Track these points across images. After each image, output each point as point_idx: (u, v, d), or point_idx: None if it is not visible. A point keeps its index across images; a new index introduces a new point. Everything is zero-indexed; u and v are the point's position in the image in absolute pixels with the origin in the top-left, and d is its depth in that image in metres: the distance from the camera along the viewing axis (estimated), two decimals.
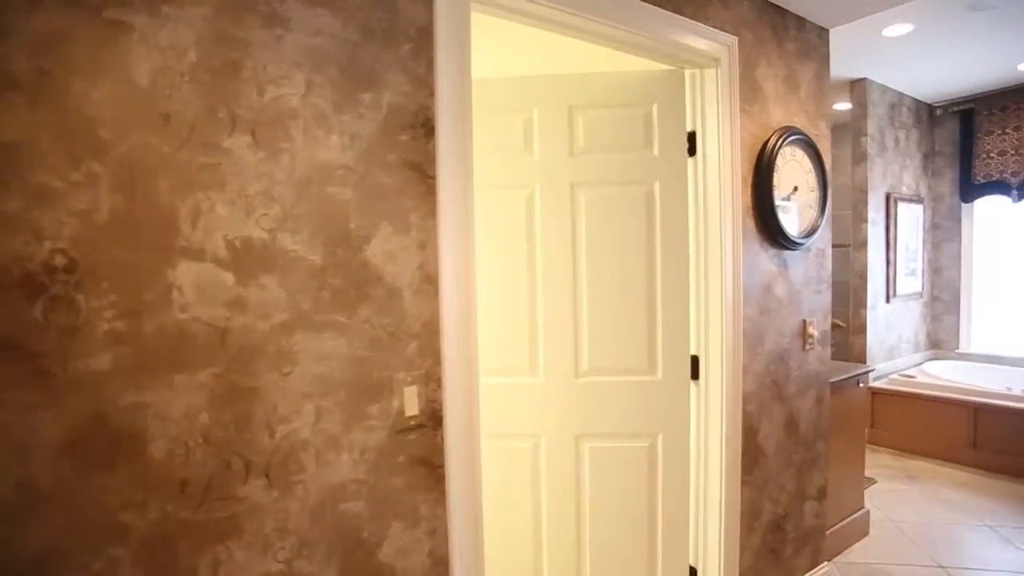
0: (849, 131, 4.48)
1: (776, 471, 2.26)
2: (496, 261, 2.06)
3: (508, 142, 2.07)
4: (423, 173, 1.37)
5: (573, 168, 2.06)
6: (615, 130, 2.05)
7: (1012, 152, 4.62)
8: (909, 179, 4.82)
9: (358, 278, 1.28)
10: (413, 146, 1.35)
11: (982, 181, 4.77)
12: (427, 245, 1.38)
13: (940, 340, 5.12)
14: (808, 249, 2.32)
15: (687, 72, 2.05)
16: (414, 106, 1.35)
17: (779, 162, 2.13)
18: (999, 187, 4.69)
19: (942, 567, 2.73)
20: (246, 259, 1.15)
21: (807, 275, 2.32)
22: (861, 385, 2.88)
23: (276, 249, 1.18)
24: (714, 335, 2.03)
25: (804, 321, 2.30)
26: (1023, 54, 3.96)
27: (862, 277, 4.37)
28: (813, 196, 2.27)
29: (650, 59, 1.98)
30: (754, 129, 2.12)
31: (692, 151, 2.07)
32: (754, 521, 2.19)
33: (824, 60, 2.41)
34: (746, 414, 2.12)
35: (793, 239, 2.16)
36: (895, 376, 4.44)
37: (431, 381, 1.38)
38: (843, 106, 4.79)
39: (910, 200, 4.77)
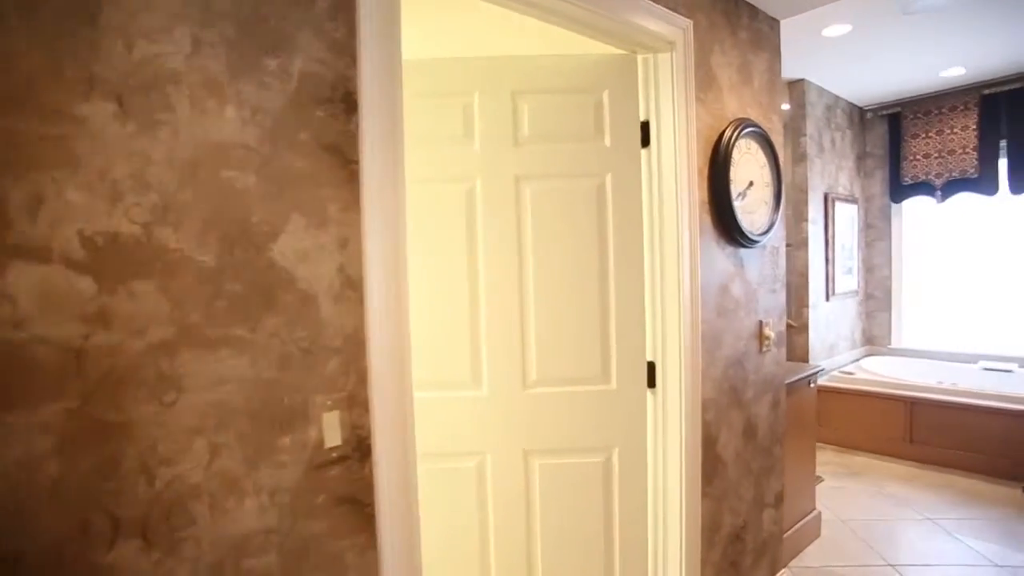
0: (789, 131, 4.51)
1: (735, 481, 2.14)
2: (433, 262, 1.85)
3: (446, 130, 1.87)
4: (344, 157, 1.15)
5: (518, 159, 1.87)
6: (563, 118, 1.88)
7: (935, 155, 4.78)
8: (844, 180, 4.92)
9: (263, 283, 1.05)
10: (331, 124, 1.13)
11: (909, 182, 4.92)
12: (349, 243, 1.16)
13: (874, 336, 5.26)
14: (763, 247, 2.23)
15: (640, 57, 1.91)
16: (332, 76, 1.13)
17: (735, 155, 2.02)
18: (924, 188, 4.84)
19: (892, 566, 2.71)
20: (112, 260, 0.90)
21: (763, 274, 2.23)
22: (811, 385, 2.83)
23: (153, 248, 0.94)
24: (671, 339, 1.89)
25: (760, 322, 2.21)
26: (945, 61, 4.09)
27: (803, 276, 4.40)
28: (768, 192, 2.18)
29: (601, 40, 1.82)
30: (709, 120, 2.00)
31: (646, 142, 1.92)
32: (715, 535, 2.07)
33: (776, 52, 2.32)
34: (705, 423, 1.99)
35: (750, 236, 2.06)
36: (836, 373, 4.50)
37: (356, 405, 1.16)
38: (783, 107, 4.83)
39: (846, 200, 4.86)
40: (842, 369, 4.57)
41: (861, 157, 5.20)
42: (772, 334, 2.22)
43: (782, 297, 2.33)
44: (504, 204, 1.87)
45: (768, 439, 2.30)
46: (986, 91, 4.54)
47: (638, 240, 1.90)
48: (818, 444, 4.35)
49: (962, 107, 4.66)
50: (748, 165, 2.09)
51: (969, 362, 4.64)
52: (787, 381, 2.52)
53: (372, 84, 1.17)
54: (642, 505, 1.96)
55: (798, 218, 4.41)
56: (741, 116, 2.10)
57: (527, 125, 1.88)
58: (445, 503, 1.89)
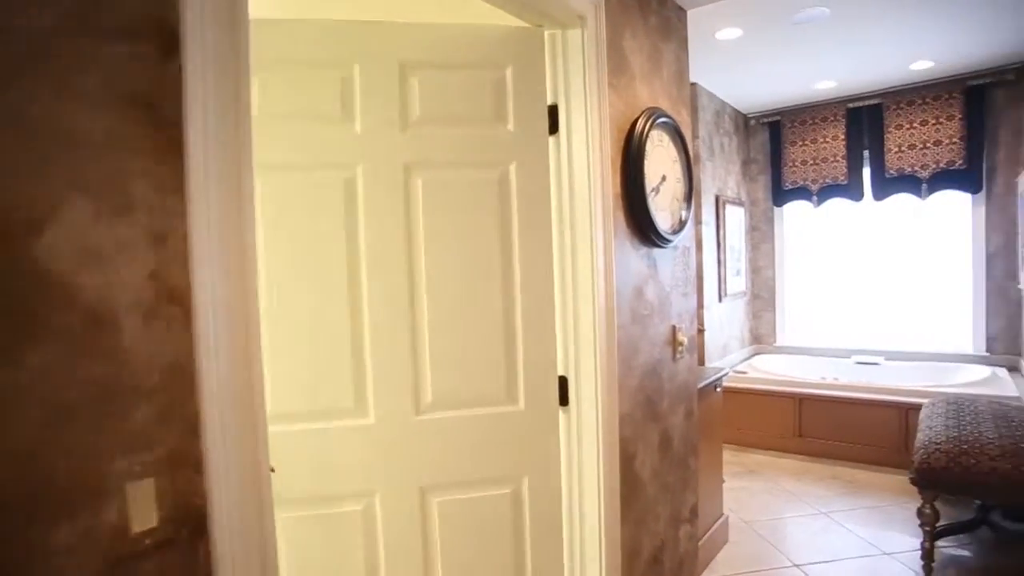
0: None
1: (653, 499, 1.98)
2: (304, 267, 1.52)
3: (319, 108, 1.54)
4: (158, 116, 0.81)
5: (408, 144, 1.59)
6: (461, 97, 1.62)
7: (811, 162, 5.04)
8: (732, 183, 5.06)
9: (20, 296, 0.69)
10: (137, 68, 0.79)
11: (790, 187, 5.16)
12: (169, 239, 0.82)
13: (761, 335, 5.46)
14: (675, 247, 2.09)
15: (547, 32, 1.69)
16: None
17: (648, 146, 1.86)
18: (803, 193, 5.09)
19: (798, 566, 2.69)
20: None
21: (675, 276, 2.09)
22: (718, 390, 2.77)
23: None
24: (585, 351, 1.69)
25: (674, 327, 2.07)
26: (818, 75, 4.29)
27: (699, 278, 4.44)
28: (680, 188, 2.05)
29: (504, 9, 1.58)
30: (622, 107, 1.82)
31: (554, 128, 1.71)
32: (635, 560, 1.89)
33: (683, 43, 2.21)
34: (623, 441, 1.80)
35: (664, 235, 1.91)
36: (730, 373, 4.58)
37: (182, 465, 0.82)
38: None
39: (734, 203, 4.99)
40: (736, 369, 4.67)
41: (746, 162, 5.39)
42: (685, 340, 2.10)
43: (693, 300, 2.22)
44: (391, 197, 1.58)
45: (683, 451, 2.17)
46: (851, 104, 4.85)
47: (547, 239, 1.67)
48: None
49: (832, 118, 4.94)
50: (661, 158, 1.95)
51: (844, 357, 4.91)
52: (700, 385, 2.41)
53: (202, 15, 0.84)
54: (557, 539, 1.73)
55: (693, 220, 4.45)
56: (653, 105, 1.95)
57: (418, 104, 1.60)
58: (324, 559, 1.56)
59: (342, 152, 1.55)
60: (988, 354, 4.48)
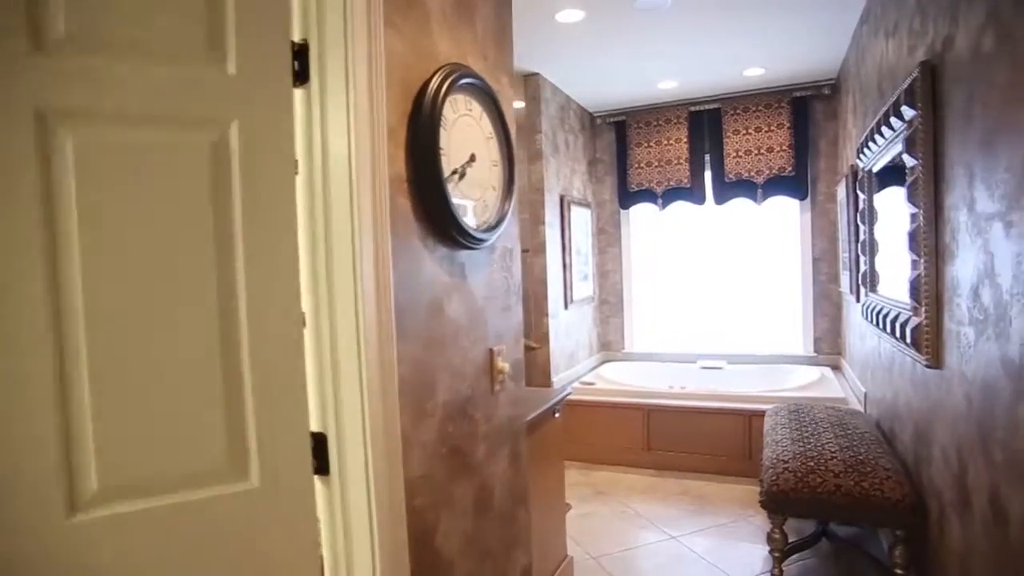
0: (525, 129, 4.20)
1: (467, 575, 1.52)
2: None
3: None
4: None
5: (44, 80, 0.98)
6: (143, 10, 1.04)
7: (656, 164, 4.96)
8: (578, 183, 4.82)
9: None
10: None
11: (635, 189, 5.04)
12: None
13: (609, 341, 5.30)
14: (492, 248, 1.65)
15: None
16: None
17: (448, 113, 1.39)
18: (648, 196, 4.99)
19: None
20: None
21: (492, 286, 1.65)
22: (557, 415, 2.39)
23: None
24: (349, 394, 1.17)
25: (491, 351, 1.62)
26: (662, 72, 4.17)
27: (543, 283, 4.11)
28: (496, 173, 1.61)
29: None
30: (410, 58, 1.33)
31: (302, 76, 1.18)
32: None
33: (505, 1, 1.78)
34: (414, 514, 1.31)
35: (471, 233, 1.45)
36: (576, 384, 4.31)
37: None
38: (519, 104, 4.54)
39: (580, 204, 4.76)
40: (583, 380, 4.41)
41: (592, 162, 5.20)
42: (507, 365, 1.66)
43: (519, 314, 1.79)
44: (14, 169, 0.96)
45: (509, 504, 1.73)
46: (692, 108, 4.83)
47: (288, 236, 1.14)
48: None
49: (675, 120, 4.90)
50: (469, 132, 1.49)
51: (690, 362, 4.87)
52: (529, 418, 2.00)
53: None
54: None
55: (535, 221, 4.12)
56: (459, 63, 1.49)
57: (64, 14, 0.99)
58: None
59: None
60: (816, 354, 4.63)
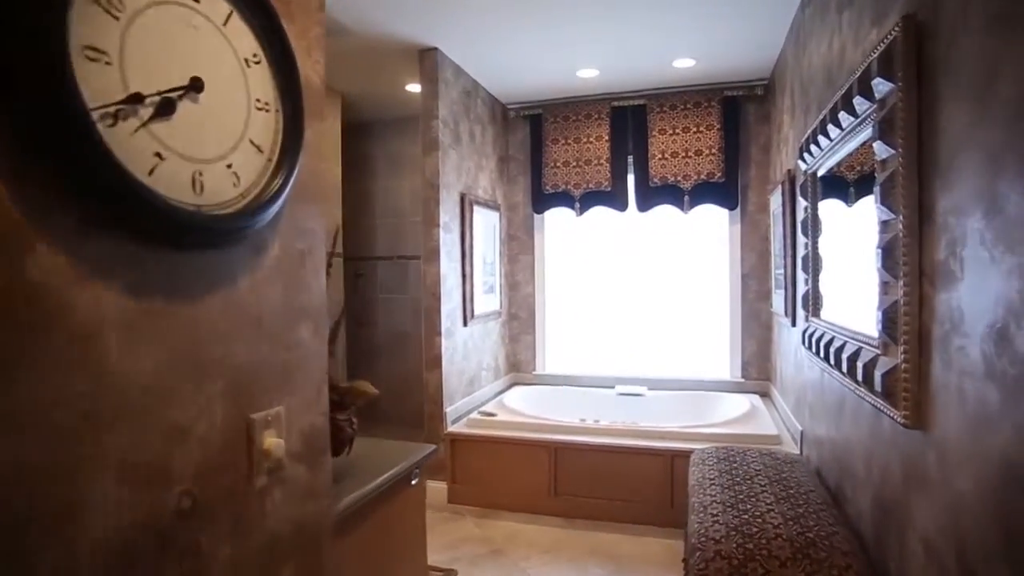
0: (420, 113, 3.55)
1: None
2: None
3: None
4: None
5: None
6: None
7: (574, 163, 4.43)
8: (485, 182, 4.21)
9: None
10: None
11: (551, 191, 4.49)
12: None
13: (519, 362, 4.70)
14: (259, 248, 0.98)
15: None
16: None
17: None
18: (564, 199, 4.45)
19: None
20: None
21: (258, 311, 0.98)
22: (414, 482, 1.73)
23: None
24: None
25: (251, 422, 0.95)
26: (581, 58, 3.64)
27: (435, 296, 3.46)
28: (264, 122, 0.95)
29: None
30: None
31: None
32: None
33: None
34: None
35: (188, 214, 0.78)
36: (475, 416, 3.67)
37: None
38: (415, 88, 3.89)
39: (487, 205, 4.15)
40: (482, 410, 3.78)
41: (504, 159, 4.61)
42: (279, 444, 0.99)
43: (321, 356, 1.13)
44: None
45: None
46: (615, 103, 4.34)
47: None
48: (455, 509, 3.44)
49: (596, 116, 4.38)
50: (190, 39, 0.82)
51: (608, 387, 4.34)
52: (345, 504, 1.34)
53: None
54: None
55: (428, 222, 3.47)
56: None
57: None
58: None
59: None
60: (743, 380, 4.21)
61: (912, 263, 1.35)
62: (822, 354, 2.13)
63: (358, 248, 5.01)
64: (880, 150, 1.48)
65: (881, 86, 1.46)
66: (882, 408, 1.52)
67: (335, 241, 1.56)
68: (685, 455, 2.93)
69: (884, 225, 1.49)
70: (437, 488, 3.52)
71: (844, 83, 1.79)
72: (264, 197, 0.93)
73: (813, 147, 2.25)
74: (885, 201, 1.45)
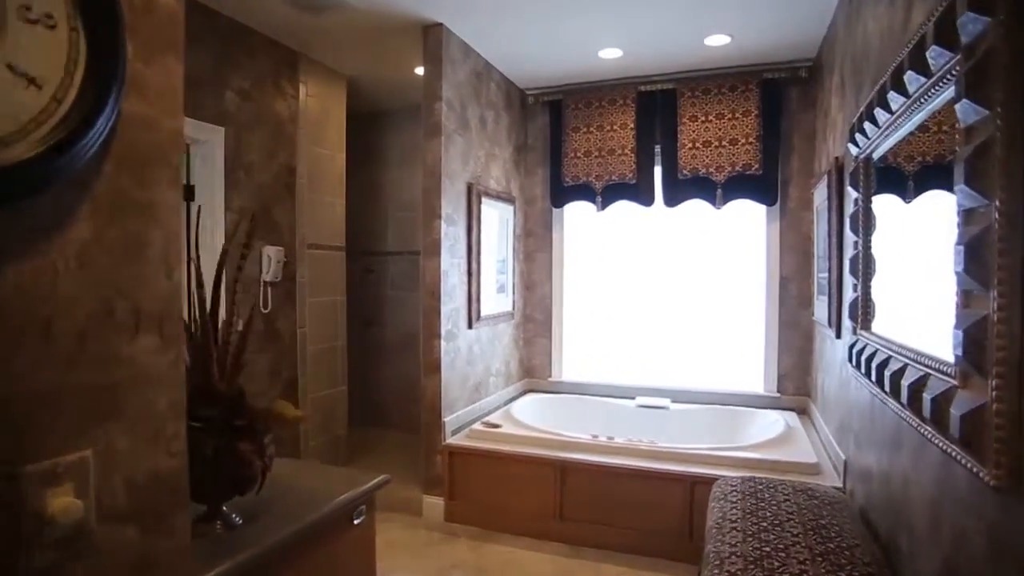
0: (422, 94, 3.25)
1: None
2: None
3: None
4: None
5: None
6: None
7: (596, 153, 4.06)
8: (498, 172, 3.89)
9: None
10: None
11: (570, 183, 4.14)
12: None
13: (534, 367, 4.37)
14: (49, 224, 0.68)
15: None
16: None
17: None
18: (585, 192, 4.09)
19: None
20: None
21: (59, 313, 0.68)
22: (359, 521, 1.42)
23: None
24: None
25: (23, 476, 0.65)
26: (603, 35, 3.28)
27: (434, 295, 3.16)
28: (40, 41, 0.64)
29: None
30: None
31: None
32: None
33: None
34: None
35: None
36: (478, 427, 3.36)
37: None
38: (420, 70, 3.59)
39: (499, 198, 3.82)
40: (486, 420, 3.46)
41: (521, 149, 4.28)
42: (78, 514, 0.69)
43: (172, 379, 0.83)
44: None
45: None
46: (642, 87, 3.96)
47: None
48: (451, 528, 3.13)
49: (621, 101, 4.01)
50: None
51: (627, 397, 3.97)
52: (280, 541, 1.04)
53: None
54: None
55: (428, 214, 3.17)
56: None
57: None
58: None
59: None
60: (779, 395, 3.78)
61: (1011, 267, 0.97)
62: (873, 376, 1.74)
63: (368, 243, 4.76)
64: (966, 113, 1.10)
65: (970, 25, 1.08)
66: (959, 458, 1.15)
67: (252, 227, 1.25)
68: (708, 481, 2.55)
69: (967, 215, 1.11)
70: (434, 504, 3.23)
71: (912, 38, 1.40)
72: (35, 152, 0.62)
73: (868, 125, 1.86)
74: (972, 182, 1.07)
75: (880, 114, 1.71)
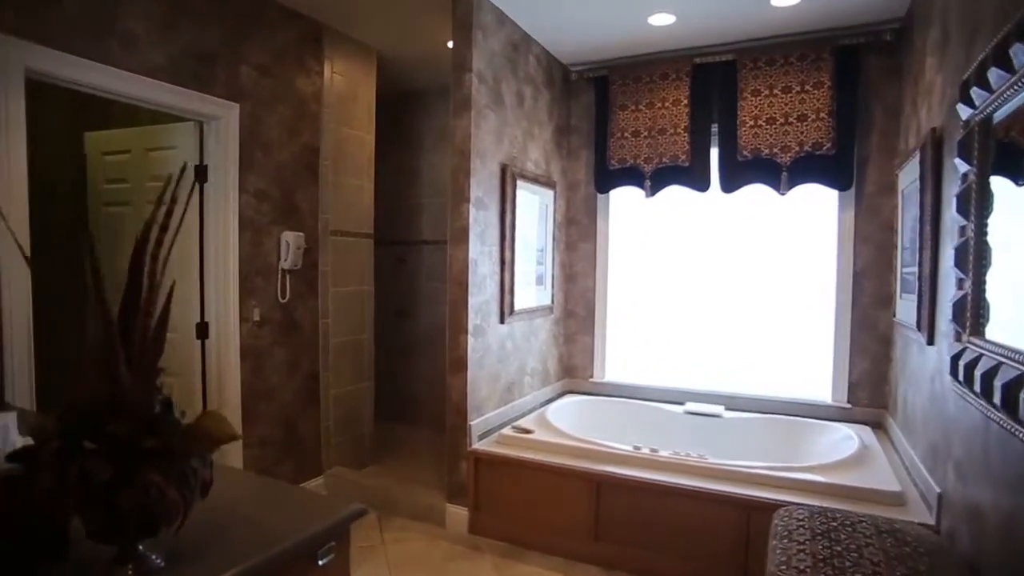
0: (450, 65, 2.97)
1: None
2: None
3: None
4: None
5: None
6: None
7: (645, 134, 3.69)
8: (536, 154, 3.57)
9: None
10: None
11: (616, 167, 3.77)
12: None
13: (574, 366, 4.04)
14: None
15: None
16: None
17: None
18: (633, 176, 3.72)
19: None
20: None
21: None
22: (324, 562, 1.15)
23: None
24: None
25: None
26: (652, 2, 2.92)
27: (461, 286, 2.88)
28: None
29: None
30: None
31: None
32: None
33: None
34: None
35: None
36: (508, 431, 3.07)
37: None
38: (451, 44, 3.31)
39: (537, 182, 3.51)
40: (517, 425, 3.16)
41: (564, 131, 3.94)
42: None
43: None
44: None
45: None
46: (698, 59, 3.55)
47: None
48: (475, 542, 2.86)
49: (674, 75, 3.62)
50: None
51: (676, 402, 3.60)
52: None
53: None
54: None
55: (457, 197, 2.88)
56: None
57: None
58: None
59: None
60: (850, 405, 3.33)
61: None
62: (996, 397, 1.35)
63: (400, 231, 4.53)
64: None
65: None
66: None
67: (177, 186, 0.97)
68: (768, 507, 2.18)
69: None
70: (458, 514, 2.96)
71: None
72: None
73: (992, 75, 1.45)
74: None
75: (1015, 57, 1.31)
